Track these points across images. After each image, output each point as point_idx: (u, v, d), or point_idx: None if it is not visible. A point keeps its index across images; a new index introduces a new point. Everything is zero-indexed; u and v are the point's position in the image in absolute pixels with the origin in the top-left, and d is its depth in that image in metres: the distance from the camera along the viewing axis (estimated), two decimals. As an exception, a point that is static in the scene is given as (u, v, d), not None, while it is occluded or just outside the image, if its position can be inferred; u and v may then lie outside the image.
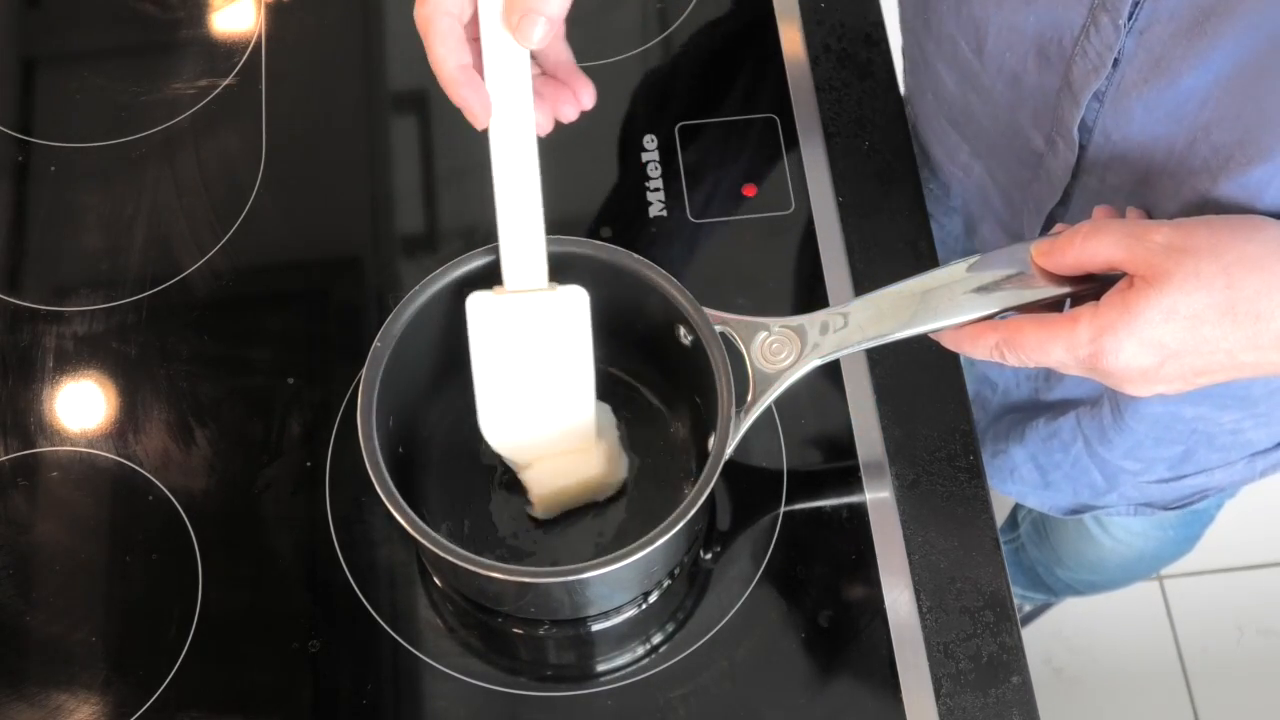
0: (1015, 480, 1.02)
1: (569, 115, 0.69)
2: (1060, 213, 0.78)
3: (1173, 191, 0.67)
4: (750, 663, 0.76)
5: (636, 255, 0.72)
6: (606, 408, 0.77)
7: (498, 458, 0.78)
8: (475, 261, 0.72)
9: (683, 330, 0.72)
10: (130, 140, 0.92)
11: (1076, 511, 1.03)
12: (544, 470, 0.75)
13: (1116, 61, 0.64)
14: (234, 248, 0.88)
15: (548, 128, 0.69)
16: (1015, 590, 1.24)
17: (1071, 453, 0.94)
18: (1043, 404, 0.96)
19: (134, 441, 0.81)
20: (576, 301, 0.71)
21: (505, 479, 0.78)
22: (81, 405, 0.83)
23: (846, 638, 0.77)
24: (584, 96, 0.69)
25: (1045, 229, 0.80)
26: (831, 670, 0.76)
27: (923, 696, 0.75)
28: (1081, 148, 0.71)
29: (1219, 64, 0.59)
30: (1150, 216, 0.69)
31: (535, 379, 0.72)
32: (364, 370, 0.70)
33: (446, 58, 0.63)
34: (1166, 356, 0.58)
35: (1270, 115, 0.59)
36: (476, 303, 0.70)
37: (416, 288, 0.72)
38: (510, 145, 0.66)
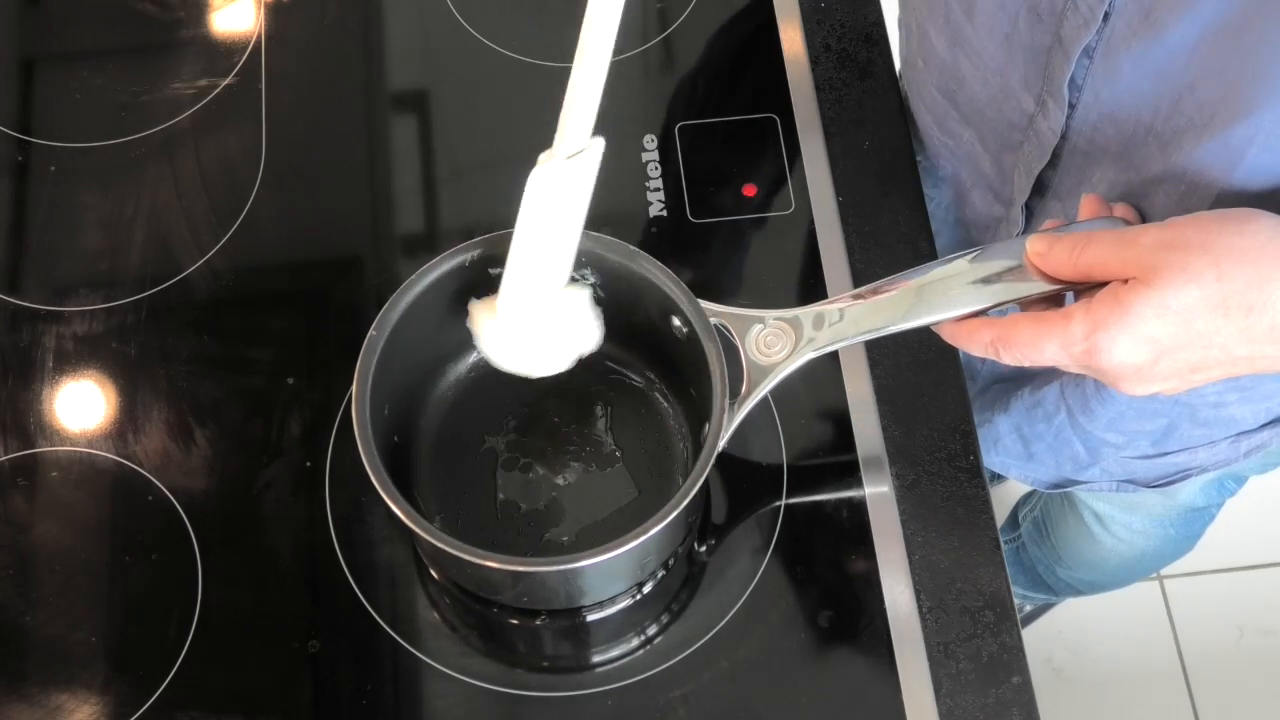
0: (999, 451, 1.02)
1: None
2: (1050, 175, 0.78)
3: (1158, 152, 0.67)
4: (750, 663, 0.76)
5: (632, 247, 0.72)
6: (587, 291, 0.75)
7: (495, 446, 0.78)
8: (470, 252, 0.72)
9: (677, 322, 0.72)
10: (130, 140, 0.92)
11: (1059, 486, 1.03)
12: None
13: (1107, 16, 0.65)
14: (234, 248, 0.88)
15: None
16: (1015, 590, 1.24)
17: (1054, 423, 0.94)
18: (1028, 373, 0.96)
19: (134, 441, 0.81)
20: (595, 152, 0.67)
21: (503, 467, 0.79)
22: (81, 405, 0.83)
23: (846, 638, 0.77)
24: None
25: (1035, 192, 0.80)
26: (831, 670, 0.76)
27: (923, 696, 0.75)
28: (1071, 107, 0.72)
29: (1205, 16, 0.60)
30: (1138, 186, 0.70)
31: (550, 239, 0.69)
32: (359, 358, 0.70)
33: None
34: (1160, 352, 0.58)
35: (1254, 70, 0.59)
36: (539, 176, 0.66)
37: (412, 277, 0.72)
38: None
